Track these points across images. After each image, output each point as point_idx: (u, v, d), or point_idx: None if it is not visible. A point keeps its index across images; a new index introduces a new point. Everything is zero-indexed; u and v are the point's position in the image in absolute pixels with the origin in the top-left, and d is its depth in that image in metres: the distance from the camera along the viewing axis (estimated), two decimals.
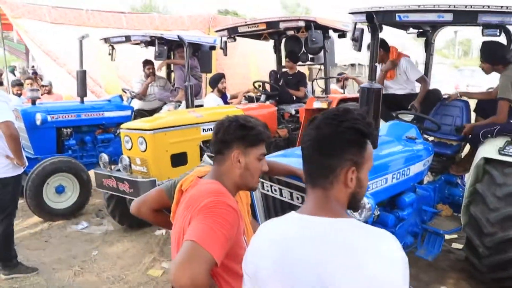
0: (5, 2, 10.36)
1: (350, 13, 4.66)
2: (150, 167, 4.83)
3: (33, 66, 13.55)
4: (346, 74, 6.79)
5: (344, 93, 8.33)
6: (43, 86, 8.40)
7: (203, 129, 5.33)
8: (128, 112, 7.37)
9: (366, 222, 2.95)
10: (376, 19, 4.45)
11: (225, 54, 7.00)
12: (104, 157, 4.99)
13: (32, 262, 4.89)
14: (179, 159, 5.07)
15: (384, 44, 5.14)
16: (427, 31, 5.29)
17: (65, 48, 10.34)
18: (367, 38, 4.92)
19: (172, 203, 2.29)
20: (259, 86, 6.98)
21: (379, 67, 5.39)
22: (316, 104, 6.55)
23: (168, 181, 2.37)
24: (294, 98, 7.22)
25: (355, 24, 4.82)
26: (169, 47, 7.76)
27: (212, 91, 6.99)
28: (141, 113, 7.62)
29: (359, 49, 4.94)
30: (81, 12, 11.23)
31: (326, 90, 7.12)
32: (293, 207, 2.79)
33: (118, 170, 5.15)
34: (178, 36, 6.24)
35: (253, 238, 1.47)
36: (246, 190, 2.15)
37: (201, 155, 5.34)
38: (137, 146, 4.88)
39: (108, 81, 10.69)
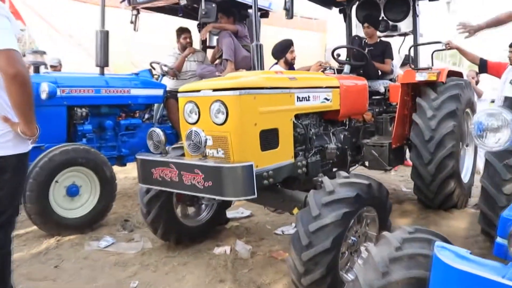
0: None
1: None
2: (232, 148, 3.05)
3: None
4: (449, 41, 5.12)
5: None
6: (51, 66, 6.59)
7: (298, 98, 3.59)
8: (160, 91, 5.59)
9: None
10: None
11: (290, 17, 5.23)
12: (158, 133, 3.18)
13: None
14: (269, 139, 3.30)
15: None
16: None
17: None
18: None
19: None
20: (338, 55, 5.27)
21: None
22: (420, 77, 4.89)
23: None
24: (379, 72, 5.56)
25: None
26: None
27: (276, 63, 5.27)
28: (173, 95, 5.85)
29: None
30: None
31: (416, 62, 5.46)
32: None
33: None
34: None
35: None
36: None
37: (295, 136, 3.61)
38: (208, 117, 3.11)
39: (119, 68, 8.88)
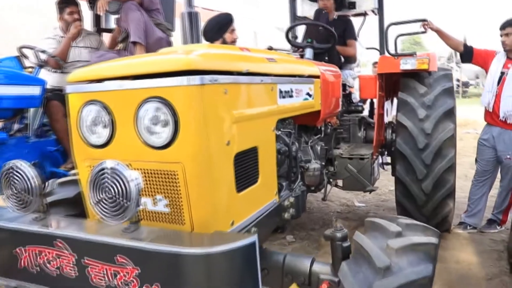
0: None
1: None
2: (188, 195, 1.50)
3: None
4: (428, 21, 4.02)
5: None
6: None
7: (280, 93, 2.13)
8: (36, 90, 3.76)
9: None
10: None
11: None
12: (23, 174, 1.46)
13: None
14: (246, 169, 1.81)
15: None
16: None
17: None
18: None
19: None
20: (295, 37, 3.89)
21: None
22: (407, 65, 3.71)
23: None
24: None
25: None
26: None
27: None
28: (57, 95, 4.06)
29: None
30: None
31: (382, 49, 4.31)
32: None
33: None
34: None
35: None
36: None
37: (279, 158, 2.17)
38: (134, 132, 1.53)
39: None
